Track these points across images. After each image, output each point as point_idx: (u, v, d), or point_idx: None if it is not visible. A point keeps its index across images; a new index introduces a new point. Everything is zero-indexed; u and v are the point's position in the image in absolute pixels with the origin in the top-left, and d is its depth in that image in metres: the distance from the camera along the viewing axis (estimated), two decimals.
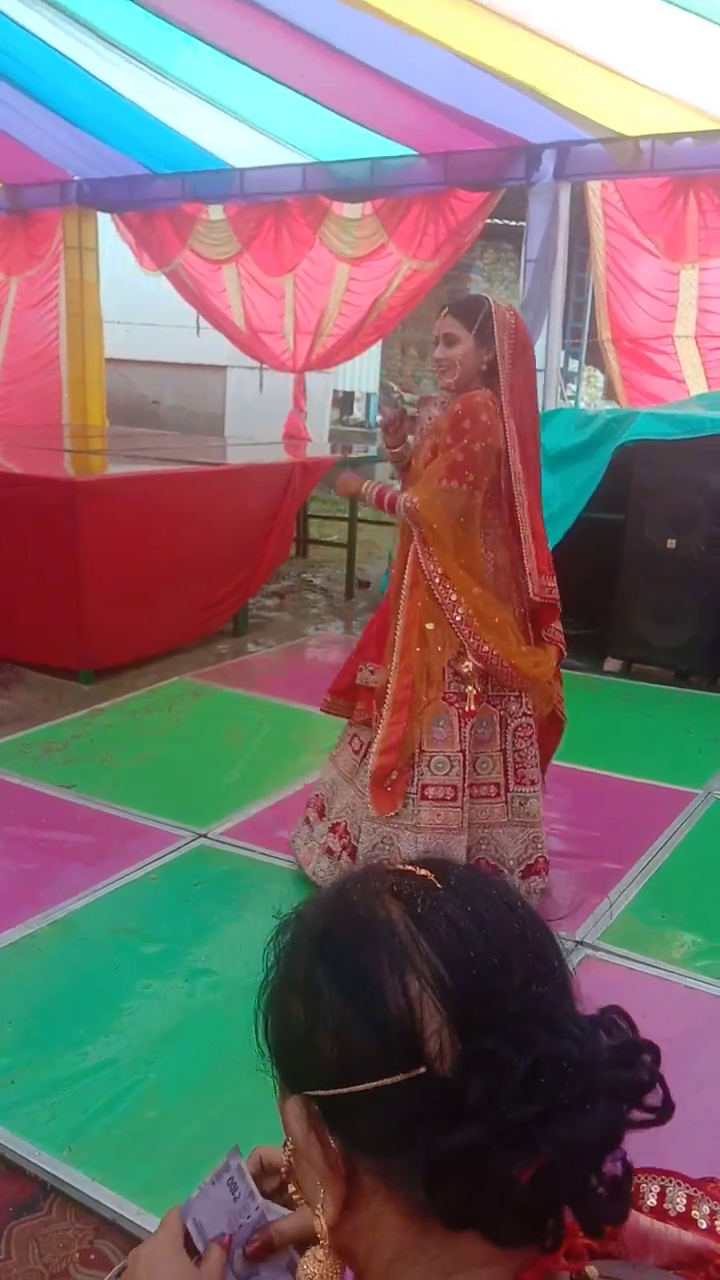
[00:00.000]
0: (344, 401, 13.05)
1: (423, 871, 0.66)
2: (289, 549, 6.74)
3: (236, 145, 6.81)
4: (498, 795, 2.69)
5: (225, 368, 10.52)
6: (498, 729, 2.69)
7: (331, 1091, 0.62)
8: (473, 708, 2.58)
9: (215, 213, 7.37)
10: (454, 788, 2.60)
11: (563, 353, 10.92)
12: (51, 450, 6.34)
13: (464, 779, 2.61)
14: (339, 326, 7.15)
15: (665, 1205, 0.69)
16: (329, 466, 6.47)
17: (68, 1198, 1.82)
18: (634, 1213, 0.66)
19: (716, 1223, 0.68)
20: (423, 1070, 0.57)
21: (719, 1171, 1.21)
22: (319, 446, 8.28)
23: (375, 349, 11.21)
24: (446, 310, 2.60)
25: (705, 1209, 0.68)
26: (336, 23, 5.03)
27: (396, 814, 2.62)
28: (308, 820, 2.96)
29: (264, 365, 7.90)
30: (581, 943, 2.62)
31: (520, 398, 2.63)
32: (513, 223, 7.90)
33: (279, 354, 7.58)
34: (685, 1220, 0.68)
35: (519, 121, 5.80)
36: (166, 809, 3.33)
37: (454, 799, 2.61)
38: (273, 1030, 0.67)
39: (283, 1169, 0.78)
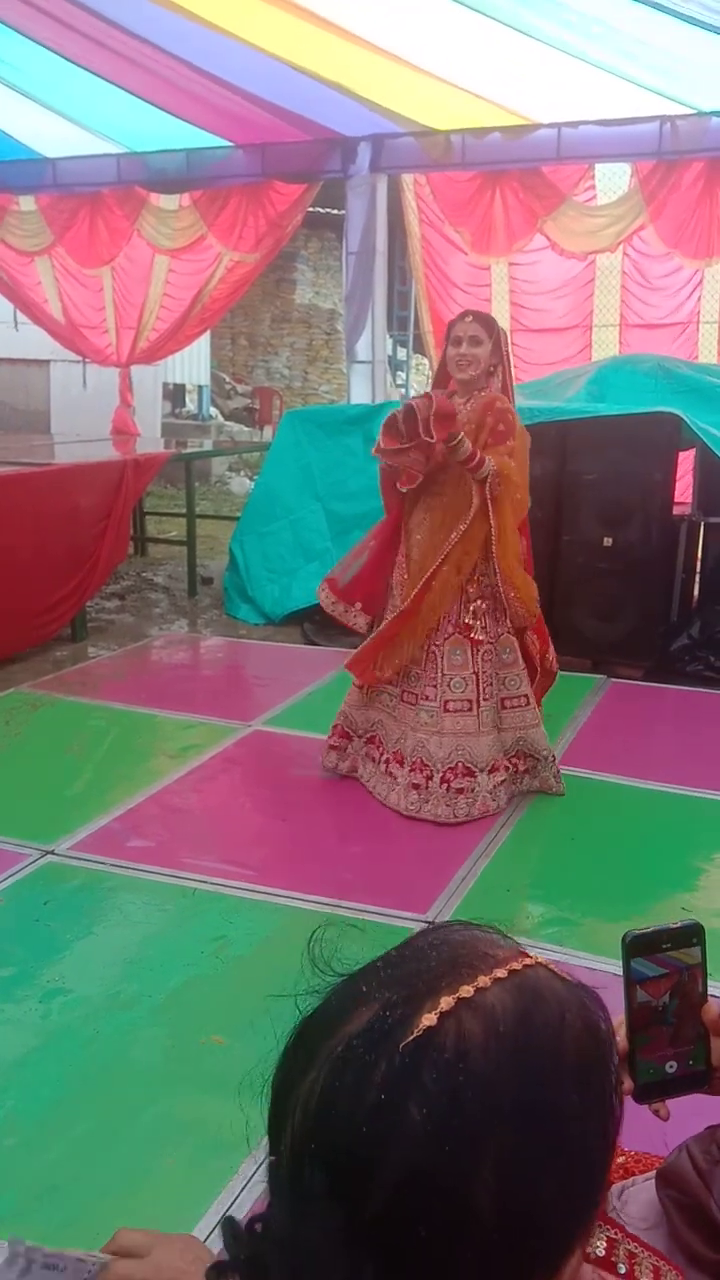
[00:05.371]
0: (175, 394, 12.84)
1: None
2: (126, 548, 6.60)
3: (48, 135, 6.61)
4: (526, 704, 3.33)
5: (48, 362, 10.19)
6: (519, 654, 3.32)
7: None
8: (480, 638, 3.22)
9: (26, 203, 7.14)
10: (470, 701, 3.21)
11: (390, 340, 11.12)
12: None
13: (479, 694, 3.22)
14: (162, 320, 7.05)
15: (588, 1249, 0.65)
16: (163, 462, 6.37)
17: None
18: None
19: (635, 1267, 0.66)
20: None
21: None
22: (151, 442, 8.14)
23: (204, 340, 11.08)
24: (471, 317, 3.14)
25: (622, 1251, 0.67)
26: (149, 19, 4.95)
27: (429, 722, 3.21)
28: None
29: (86, 360, 7.69)
30: (432, 924, 2.70)
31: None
32: (335, 211, 7.96)
33: (102, 348, 7.42)
34: (605, 1265, 0.66)
35: (333, 115, 5.86)
36: (9, 828, 3.23)
37: (470, 710, 3.21)
38: None
39: None
